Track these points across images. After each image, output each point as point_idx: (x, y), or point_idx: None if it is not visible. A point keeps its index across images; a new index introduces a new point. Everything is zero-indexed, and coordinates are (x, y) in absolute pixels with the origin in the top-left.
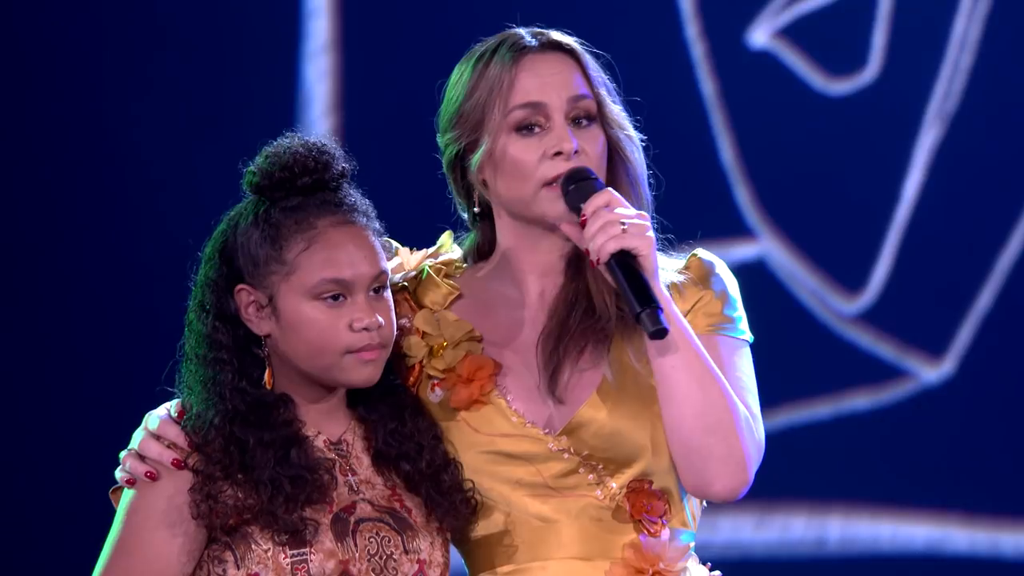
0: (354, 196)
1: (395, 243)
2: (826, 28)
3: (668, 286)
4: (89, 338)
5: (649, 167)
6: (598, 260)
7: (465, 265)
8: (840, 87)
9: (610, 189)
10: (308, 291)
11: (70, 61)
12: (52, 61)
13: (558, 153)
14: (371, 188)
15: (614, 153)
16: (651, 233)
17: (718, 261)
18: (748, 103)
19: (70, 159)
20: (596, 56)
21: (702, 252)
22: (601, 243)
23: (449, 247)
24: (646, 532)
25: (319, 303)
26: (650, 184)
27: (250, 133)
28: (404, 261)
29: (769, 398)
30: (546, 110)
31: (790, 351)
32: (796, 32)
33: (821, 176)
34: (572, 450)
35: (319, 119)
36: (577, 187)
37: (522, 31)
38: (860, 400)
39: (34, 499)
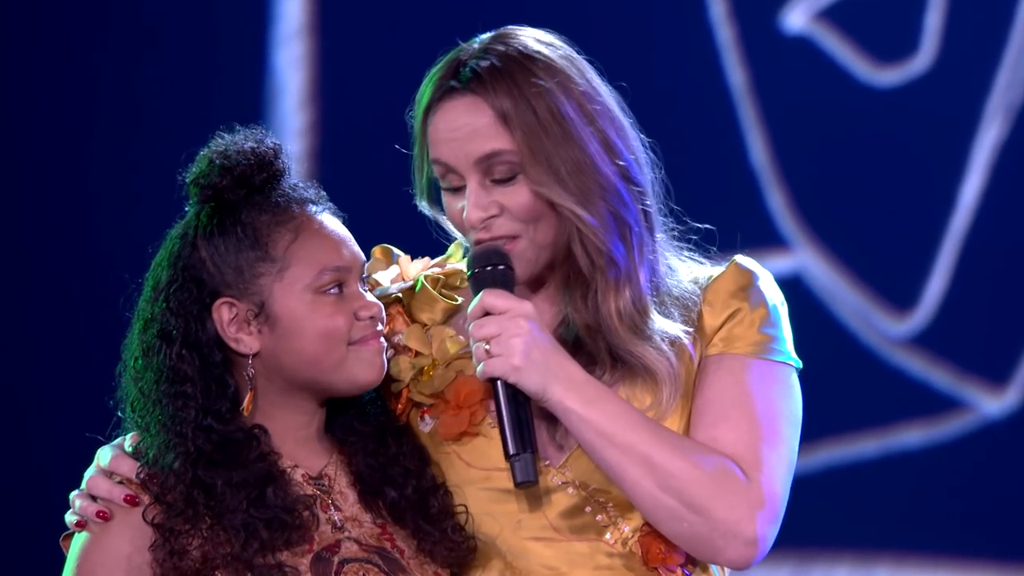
0: (306, 182)
1: (396, 250)
2: (872, 9)
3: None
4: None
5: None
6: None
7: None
8: (888, 76)
9: (490, 291)
10: (309, 284)
11: (18, 52)
12: (3, 49)
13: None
14: (351, 189)
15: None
16: (519, 357)
17: (762, 271)
18: (783, 95)
19: (18, 158)
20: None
21: (742, 259)
22: (473, 364)
23: (459, 258)
24: None
25: (320, 296)
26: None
27: (214, 128)
28: (403, 270)
29: (808, 433)
30: (458, 170)
31: (831, 379)
32: (838, 13)
33: (866, 178)
34: (577, 483)
35: (292, 113)
36: (477, 276)
37: (461, 54)
38: (912, 435)
39: None
